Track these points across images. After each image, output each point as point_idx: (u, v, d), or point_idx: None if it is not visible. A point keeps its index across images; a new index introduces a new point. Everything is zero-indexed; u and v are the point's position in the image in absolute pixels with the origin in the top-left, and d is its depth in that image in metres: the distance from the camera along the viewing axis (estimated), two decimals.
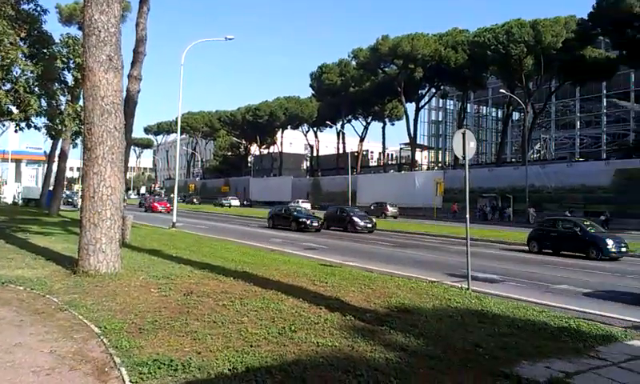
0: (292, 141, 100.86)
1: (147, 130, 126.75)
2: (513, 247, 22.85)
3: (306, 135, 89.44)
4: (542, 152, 78.26)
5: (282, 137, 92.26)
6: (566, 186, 42.43)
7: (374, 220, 32.73)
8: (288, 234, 27.54)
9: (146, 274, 10.36)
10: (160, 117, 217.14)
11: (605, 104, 71.19)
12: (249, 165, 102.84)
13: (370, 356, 5.66)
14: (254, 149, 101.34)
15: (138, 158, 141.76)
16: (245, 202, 76.13)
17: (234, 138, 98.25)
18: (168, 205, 50.86)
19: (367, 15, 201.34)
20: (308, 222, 29.72)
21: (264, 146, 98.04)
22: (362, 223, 30.57)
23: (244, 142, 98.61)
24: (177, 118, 35.70)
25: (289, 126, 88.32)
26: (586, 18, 47.33)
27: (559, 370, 5.51)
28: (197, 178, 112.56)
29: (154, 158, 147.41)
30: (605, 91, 68.96)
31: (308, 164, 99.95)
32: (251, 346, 5.79)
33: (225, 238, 23.05)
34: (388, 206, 48.49)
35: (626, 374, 5.54)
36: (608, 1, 44.40)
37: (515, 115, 71.68)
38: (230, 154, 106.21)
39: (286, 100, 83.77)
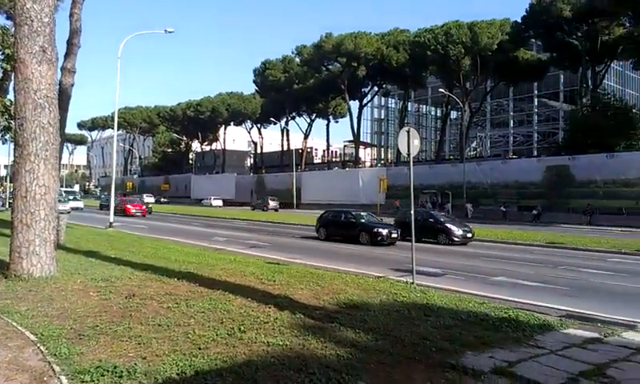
0: (235, 137, 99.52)
1: (81, 126, 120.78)
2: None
3: (249, 132, 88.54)
4: (478, 149, 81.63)
5: (224, 133, 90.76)
6: (500, 182, 44.43)
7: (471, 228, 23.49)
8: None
9: (83, 277, 9.88)
10: (95, 112, 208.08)
11: (536, 104, 75.26)
12: (190, 162, 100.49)
13: (322, 353, 5.65)
14: (196, 145, 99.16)
15: (70, 154, 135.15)
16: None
17: (175, 135, 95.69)
18: (144, 207, 44.21)
19: (310, 11, 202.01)
20: (385, 232, 21.12)
21: (206, 143, 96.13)
22: (459, 232, 22.04)
23: (185, 138, 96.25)
24: (113, 113, 34.35)
25: (232, 123, 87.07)
26: (520, 21, 49.71)
27: (502, 359, 5.72)
28: (135, 176, 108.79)
29: (87, 154, 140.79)
30: (536, 91, 72.92)
31: (252, 161, 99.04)
32: (200, 349, 5.63)
33: (166, 237, 22.39)
34: (269, 200, 57.94)
35: (564, 360, 5.83)
36: (540, 5, 46.87)
37: (453, 114, 74.31)
38: (169, 150, 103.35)
39: (228, 96, 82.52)
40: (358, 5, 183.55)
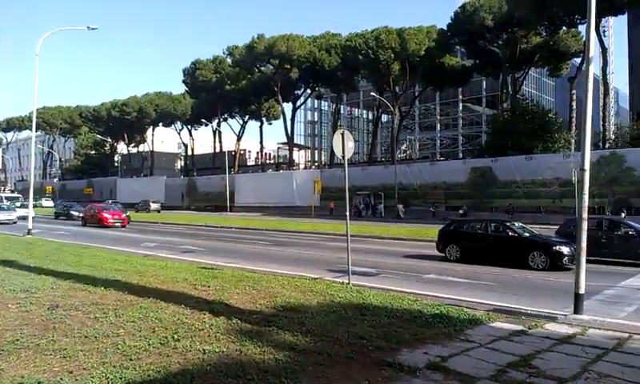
0: (164, 139, 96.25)
1: None
2: (385, 241, 24.24)
3: (179, 133, 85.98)
4: (408, 152, 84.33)
5: (152, 135, 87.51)
6: (429, 184, 46.08)
7: None
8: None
9: (0, 288, 9.15)
10: (10, 112, 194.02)
11: (461, 108, 78.94)
12: (116, 164, 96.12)
13: (260, 358, 5.57)
14: (122, 147, 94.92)
15: None
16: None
17: (99, 136, 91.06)
18: (123, 215, 35.69)
19: (241, 12, 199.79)
20: (567, 251, 14.47)
21: (132, 145, 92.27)
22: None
23: (110, 139, 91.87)
24: (31, 113, 32.11)
25: (160, 124, 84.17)
26: (445, 29, 51.82)
27: (436, 354, 5.91)
28: (55, 179, 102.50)
29: (2, 157, 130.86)
30: (461, 96, 76.51)
31: (182, 163, 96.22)
32: (130, 360, 5.37)
33: (92, 244, 21.25)
34: (151, 203, 59.47)
35: (493, 353, 6.11)
36: (464, 13, 49.13)
37: (384, 117, 76.27)
38: (93, 152, 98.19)
39: (157, 96, 79.74)
40: (288, 7, 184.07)
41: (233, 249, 20.89)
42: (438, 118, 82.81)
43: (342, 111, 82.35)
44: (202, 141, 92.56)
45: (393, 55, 51.34)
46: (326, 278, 12.08)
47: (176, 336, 6.32)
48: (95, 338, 6.25)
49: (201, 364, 5.32)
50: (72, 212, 43.00)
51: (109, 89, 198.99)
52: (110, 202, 55.92)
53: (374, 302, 8.81)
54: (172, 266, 13.79)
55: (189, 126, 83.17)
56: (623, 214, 32.57)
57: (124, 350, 5.76)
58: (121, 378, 4.83)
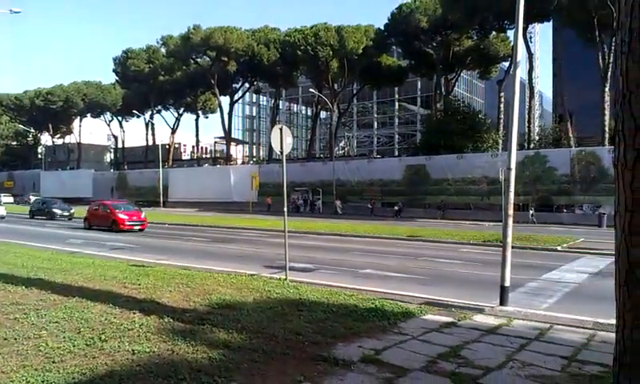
0: (93, 130, 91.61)
1: None
2: (323, 236, 24.40)
3: (109, 125, 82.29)
4: (346, 149, 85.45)
5: (80, 126, 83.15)
6: (367, 180, 46.95)
7: None
8: None
9: None
10: None
11: (397, 107, 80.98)
12: (39, 156, 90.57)
13: (192, 357, 5.41)
14: (46, 139, 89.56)
15: None
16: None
17: (21, 126, 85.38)
18: (142, 215, 27.60)
19: (175, 1, 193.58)
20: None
21: (58, 136, 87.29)
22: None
23: (33, 130, 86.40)
24: None
25: (89, 114, 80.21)
26: (383, 29, 52.87)
27: (370, 347, 6.00)
28: None
29: None
30: (397, 96, 78.48)
31: (112, 156, 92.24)
32: (54, 362, 5.06)
33: (12, 240, 19.89)
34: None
35: (424, 345, 6.29)
36: (400, 14, 50.35)
37: (323, 114, 76.85)
38: (15, 144, 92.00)
39: (85, 85, 75.87)
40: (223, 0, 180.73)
41: (167, 245, 20.25)
42: (376, 116, 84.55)
43: (280, 106, 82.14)
44: (134, 133, 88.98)
45: (331, 52, 51.76)
46: (264, 274, 11.98)
47: (103, 337, 6.03)
48: (15, 339, 5.86)
49: (130, 365, 5.10)
50: (54, 210, 36.85)
51: (32, 76, 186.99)
52: (117, 199, 48.01)
53: (310, 298, 8.82)
54: (100, 263, 13.16)
55: (119, 118, 79.86)
56: (531, 211, 34.89)
57: (46, 352, 5.42)
58: (43, 382, 4.55)
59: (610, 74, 38.20)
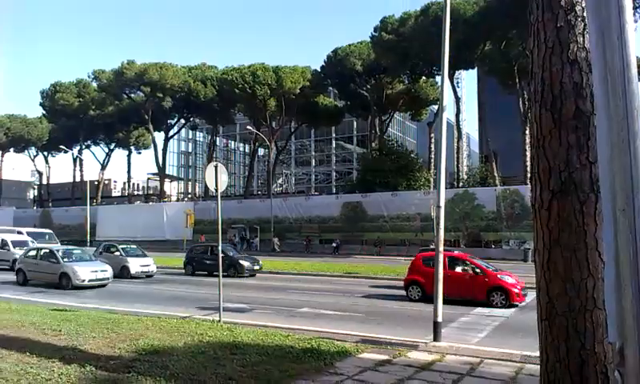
0: (15, 166, 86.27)
1: None
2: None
3: (33, 160, 77.82)
4: (284, 186, 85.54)
5: (1, 161, 78.11)
6: (305, 217, 47.04)
7: None
8: None
9: None
10: None
11: (334, 146, 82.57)
12: None
13: None
14: None
15: None
16: None
17: None
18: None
19: (109, 34, 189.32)
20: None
21: None
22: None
23: None
24: None
25: (11, 149, 75.57)
26: (319, 70, 54.19)
27: None
28: None
29: None
30: (334, 134, 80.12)
31: (36, 193, 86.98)
32: None
33: None
34: None
35: None
36: (335, 57, 51.93)
37: (261, 151, 76.80)
38: None
39: (8, 118, 71.63)
40: (161, 35, 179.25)
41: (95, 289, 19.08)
42: (313, 154, 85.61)
43: (217, 143, 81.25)
44: (61, 169, 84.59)
45: (269, 91, 52.24)
46: (196, 316, 11.56)
47: None
48: None
49: None
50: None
51: None
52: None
53: (245, 340, 8.56)
54: (17, 308, 12.17)
55: (45, 153, 75.78)
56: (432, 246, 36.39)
57: None
58: None
59: (529, 117, 41.11)
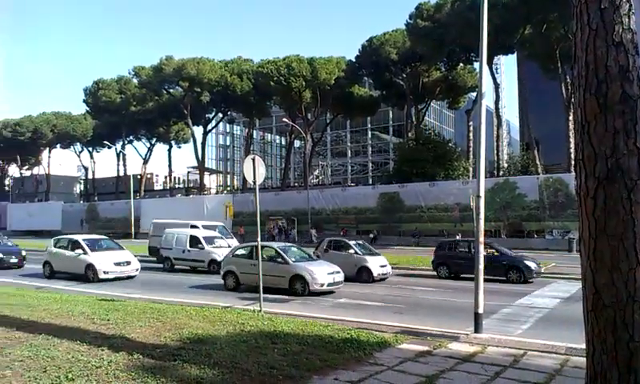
0: (62, 162, 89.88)
1: None
2: None
3: (79, 155, 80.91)
4: (320, 177, 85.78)
5: (49, 157, 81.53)
6: (341, 208, 47.04)
7: None
8: None
9: None
10: None
11: (370, 136, 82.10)
12: (6, 188, 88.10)
13: None
14: (14, 170, 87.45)
15: None
16: None
17: None
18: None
19: (148, 31, 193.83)
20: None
21: (26, 167, 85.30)
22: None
23: (0, 162, 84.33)
24: None
25: (58, 145, 78.73)
26: (354, 60, 53.89)
27: (346, 380, 5.92)
28: None
29: None
30: (370, 125, 79.63)
31: (82, 188, 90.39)
32: None
33: None
34: None
35: (400, 375, 6.25)
36: (370, 46, 51.48)
37: (297, 143, 77.21)
38: None
39: (54, 116, 74.63)
40: (198, 30, 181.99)
41: (140, 278, 19.74)
42: (349, 145, 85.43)
43: (254, 136, 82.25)
44: (105, 164, 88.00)
45: (304, 83, 52.34)
46: (237, 306, 11.79)
47: (70, 375, 5.79)
48: None
49: None
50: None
51: (1, 108, 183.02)
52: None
53: (285, 330, 8.70)
54: (68, 298, 12.75)
55: (90, 148, 78.63)
56: (458, 236, 35.65)
57: None
58: None
59: (572, 103, 39.71)
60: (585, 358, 3.41)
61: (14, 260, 23.42)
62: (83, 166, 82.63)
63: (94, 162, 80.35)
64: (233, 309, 11.23)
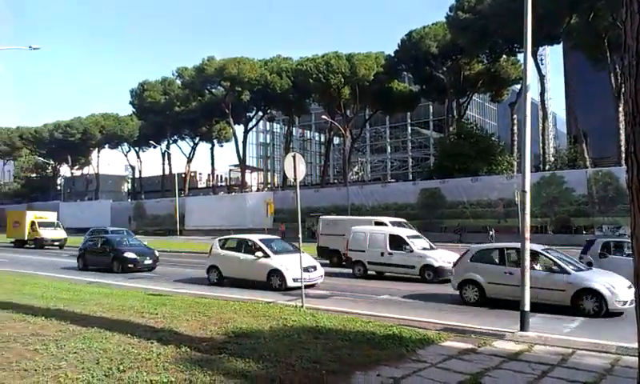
0: (110, 161, 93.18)
1: None
2: None
3: (126, 155, 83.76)
4: (360, 174, 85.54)
5: (98, 157, 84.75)
6: (381, 204, 46.74)
7: None
8: None
9: None
10: None
11: (409, 131, 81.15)
12: (58, 188, 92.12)
13: None
14: (65, 170, 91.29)
15: None
16: None
17: (40, 158, 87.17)
18: None
19: (189, 34, 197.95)
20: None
21: (77, 167, 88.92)
22: None
23: (52, 162, 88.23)
24: None
25: (106, 145, 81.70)
26: (393, 55, 53.37)
27: (388, 376, 5.93)
28: None
29: None
30: (409, 120, 78.72)
31: (129, 186, 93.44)
32: None
33: (32, 272, 20.14)
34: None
35: (444, 372, 6.20)
36: (410, 41, 50.85)
37: (336, 140, 77.24)
38: (34, 175, 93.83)
39: (102, 117, 77.44)
40: (239, 30, 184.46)
41: (185, 274, 20.28)
42: (388, 140, 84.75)
43: (294, 133, 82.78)
44: (151, 163, 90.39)
45: (343, 80, 52.29)
46: (280, 301, 11.95)
47: (121, 367, 6.05)
48: (35, 370, 5.90)
49: None
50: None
51: (51, 110, 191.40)
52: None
53: (327, 325, 8.77)
54: (118, 293, 13.27)
55: (136, 148, 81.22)
56: (491, 232, 34.68)
57: (66, 383, 5.47)
58: None
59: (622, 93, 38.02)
60: (637, 358, 3.31)
61: (148, 261, 21.13)
62: (130, 165, 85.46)
63: (140, 162, 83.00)
64: (275, 304, 11.40)
